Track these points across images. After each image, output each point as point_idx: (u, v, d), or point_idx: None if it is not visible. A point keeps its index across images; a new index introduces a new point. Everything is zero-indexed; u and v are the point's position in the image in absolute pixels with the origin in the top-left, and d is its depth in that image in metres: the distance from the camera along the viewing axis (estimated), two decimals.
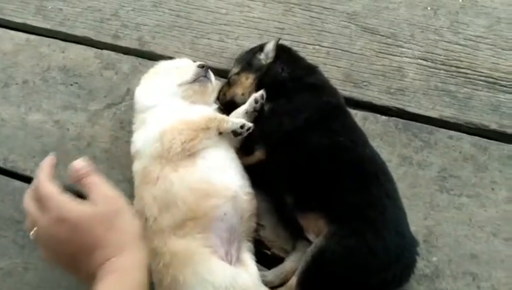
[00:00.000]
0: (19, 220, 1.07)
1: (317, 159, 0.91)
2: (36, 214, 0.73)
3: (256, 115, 0.98)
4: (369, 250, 0.82)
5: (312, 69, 1.04)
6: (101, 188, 0.75)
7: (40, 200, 0.74)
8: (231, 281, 0.82)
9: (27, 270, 1.03)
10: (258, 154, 0.96)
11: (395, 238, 0.84)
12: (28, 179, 1.11)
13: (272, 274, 0.93)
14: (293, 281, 0.87)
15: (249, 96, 0.99)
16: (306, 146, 0.92)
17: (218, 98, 1.08)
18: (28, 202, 0.76)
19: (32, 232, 0.75)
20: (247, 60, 1.05)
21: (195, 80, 1.03)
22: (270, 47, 1.03)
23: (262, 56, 1.03)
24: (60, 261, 0.75)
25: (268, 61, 1.02)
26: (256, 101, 0.96)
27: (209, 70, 1.06)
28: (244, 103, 1.00)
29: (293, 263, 0.92)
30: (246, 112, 0.98)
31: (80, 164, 0.77)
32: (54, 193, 0.73)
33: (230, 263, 0.88)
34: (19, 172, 1.12)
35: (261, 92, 0.97)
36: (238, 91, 1.04)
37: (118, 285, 0.68)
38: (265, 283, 0.90)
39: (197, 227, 0.87)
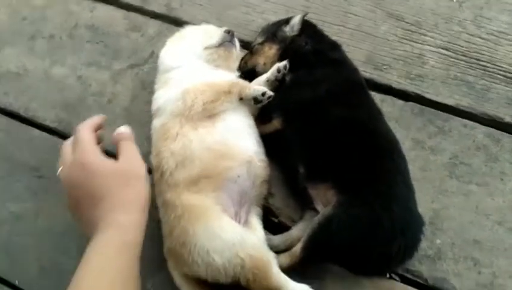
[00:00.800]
0: (35, 166, 1.10)
1: (333, 130, 0.92)
2: (67, 154, 0.77)
3: (277, 85, 1.00)
4: (376, 220, 0.84)
5: (335, 46, 1.06)
6: (131, 151, 0.78)
7: (74, 143, 0.77)
8: (240, 239, 0.84)
9: (38, 215, 1.05)
10: (275, 123, 0.97)
11: (402, 213, 0.86)
12: (46, 129, 1.14)
13: (278, 239, 0.95)
14: (298, 247, 0.89)
15: (271, 66, 1.01)
16: (323, 117, 0.93)
17: (239, 67, 1.10)
18: (66, 145, 0.79)
19: (59, 171, 0.78)
20: (272, 31, 1.07)
21: (221, 44, 1.05)
22: (296, 20, 1.04)
23: (287, 28, 1.05)
24: (70, 205, 0.77)
25: (293, 34, 1.04)
26: (278, 71, 0.98)
27: (234, 36, 1.08)
28: (264, 73, 1.02)
29: (300, 232, 0.93)
30: (267, 80, 0.99)
31: (124, 128, 0.81)
32: (87, 140, 0.76)
33: (239, 223, 0.90)
34: (38, 121, 1.15)
35: (285, 62, 0.98)
36: (260, 60, 1.06)
37: (116, 239, 0.69)
38: (271, 247, 0.92)
39: (210, 185, 0.89)
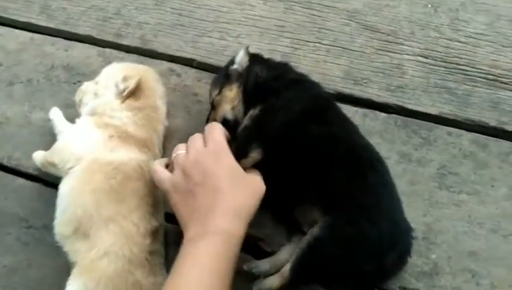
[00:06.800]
0: (23, 217, 1.08)
1: (313, 149, 0.90)
2: (198, 142, 0.87)
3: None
4: (365, 238, 0.83)
5: (287, 66, 1.03)
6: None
7: (207, 139, 0.87)
8: None
9: (31, 267, 1.04)
10: (254, 156, 0.93)
11: (390, 226, 0.85)
12: (31, 177, 1.12)
13: (267, 264, 0.93)
14: (287, 267, 0.87)
15: (238, 107, 0.98)
16: (302, 138, 0.91)
17: None
18: (196, 136, 0.90)
19: (178, 152, 0.88)
20: (223, 76, 1.03)
21: None
22: (241, 54, 1.01)
23: (236, 66, 1.01)
24: (177, 188, 0.83)
25: (245, 66, 1.00)
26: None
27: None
28: (235, 118, 0.98)
29: (287, 255, 0.91)
30: None
31: None
32: (223, 140, 0.87)
33: None
34: (22, 170, 1.13)
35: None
36: (226, 107, 1.00)
37: (221, 251, 0.74)
38: (260, 273, 0.91)
39: None
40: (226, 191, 0.77)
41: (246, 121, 0.96)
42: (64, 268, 0.98)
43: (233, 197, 0.77)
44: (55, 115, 1.12)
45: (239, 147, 0.94)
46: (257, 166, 0.95)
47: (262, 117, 0.95)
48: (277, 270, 0.91)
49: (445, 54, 1.12)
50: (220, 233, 0.74)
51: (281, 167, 0.93)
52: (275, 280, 0.89)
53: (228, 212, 0.76)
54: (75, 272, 0.90)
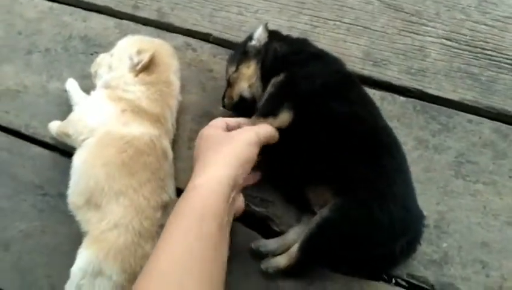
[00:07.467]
0: (39, 184, 1.10)
1: (334, 126, 0.87)
2: None
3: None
4: (375, 223, 0.82)
5: (306, 41, 1.00)
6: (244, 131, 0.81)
7: None
8: None
9: (45, 233, 1.06)
10: (283, 116, 0.88)
11: (401, 213, 0.83)
12: (47, 146, 1.14)
13: (275, 244, 0.93)
14: (295, 248, 0.87)
15: (256, 84, 0.96)
16: (325, 112, 0.88)
17: (224, 106, 1.03)
18: None
19: None
20: (241, 52, 0.99)
21: None
22: (260, 30, 0.98)
23: (254, 42, 0.98)
24: None
25: (263, 42, 0.97)
26: None
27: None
28: (253, 95, 0.96)
29: (296, 235, 0.91)
30: None
31: None
32: (215, 121, 0.86)
33: None
34: (39, 138, 1.15)
35: None
36: (243, 85, 0.98)
37: (193, 203, 0.71)
38: (268, 252, 0.91)
39: None
40: (198, 158, 0.78)
41: (269, 89, 0.93)
42: (78, 236, 0.99)
43: (203, 157, 0.77)
44: (71, 86, 1.12)
45: (267, 106, 0.91)
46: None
47: (288, 82, 0.91)
48: (285, 250, 0.91)
49: (471, 38, 1.07)
50: (202, 179, 0.73)
51: (300, 138, 0.89)
52: (282, 260, 0.89)
53: (197, 172, 0.75)
54: (85, 242, 0.92)
